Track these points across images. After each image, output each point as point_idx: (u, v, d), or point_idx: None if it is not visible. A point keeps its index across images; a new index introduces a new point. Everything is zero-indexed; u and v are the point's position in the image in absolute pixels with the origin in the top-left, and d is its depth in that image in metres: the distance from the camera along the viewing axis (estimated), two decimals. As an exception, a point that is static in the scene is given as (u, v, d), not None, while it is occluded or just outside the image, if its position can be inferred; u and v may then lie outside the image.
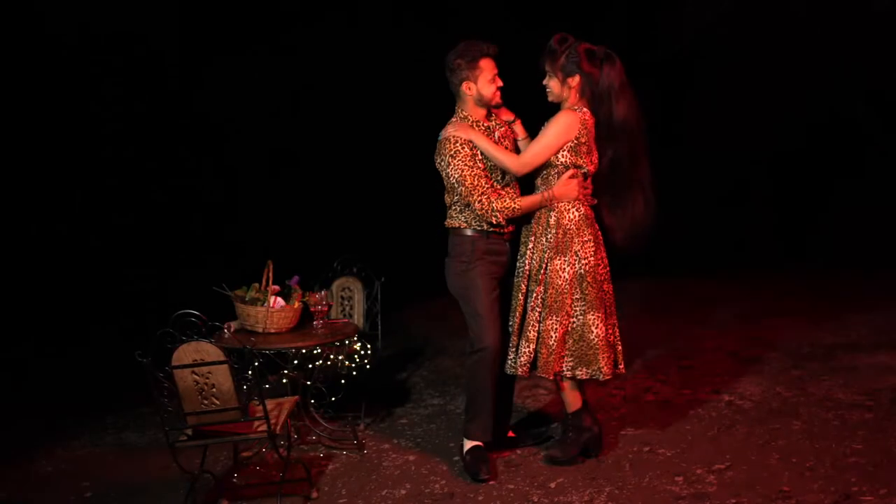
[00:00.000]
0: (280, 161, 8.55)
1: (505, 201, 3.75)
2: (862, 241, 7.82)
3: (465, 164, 3.75)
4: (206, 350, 3.32)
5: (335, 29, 8.66)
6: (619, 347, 3.89)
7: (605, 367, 3.78)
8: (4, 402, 5.27)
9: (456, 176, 3.77)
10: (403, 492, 3.83)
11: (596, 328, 3.75)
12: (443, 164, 3.82)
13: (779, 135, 8.67)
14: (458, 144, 3.76)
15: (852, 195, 8.37)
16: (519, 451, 4.14)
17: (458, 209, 3.87)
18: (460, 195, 3.80)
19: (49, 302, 6.92)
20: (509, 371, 3.86)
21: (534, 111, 3.91)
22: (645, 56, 8.57)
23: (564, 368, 3.79)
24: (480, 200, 3.74)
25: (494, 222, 3.77)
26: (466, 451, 3.96)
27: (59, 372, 5.89)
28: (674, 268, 7.77)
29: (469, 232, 3.85)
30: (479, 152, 3.80)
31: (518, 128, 4.04)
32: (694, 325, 6.36)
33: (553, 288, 3.72)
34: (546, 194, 3.73)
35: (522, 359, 3.78)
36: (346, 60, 8.69)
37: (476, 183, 3.75)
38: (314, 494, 3.85)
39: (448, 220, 3.95)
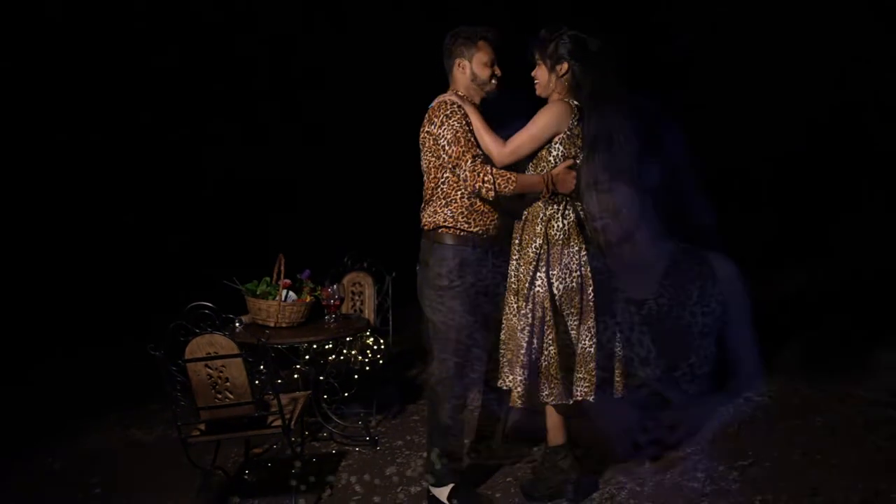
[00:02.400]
0: (290, 154, 8.46)
1: (501, 170, 3.33)
2: (884, 240, 7.72)
3: (461, 126, 3.36)
4: (220, 343, 3.25)
5: (346, 17, 8.57)
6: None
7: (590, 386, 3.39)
8: (13, 399, 5.21)
9: (449, 136, 3.33)
10: (418, 489, 3.76)
11: (590, 342, 3.39)
12: (433, 127, 3.38)
13: (790, 136, 8.58)
14: (454, 106, 3.40)
15: (872, 196, 8.28)
16: (536, 447, 4.06)
17: (443, 201, 3.41)
18: (450, 157, 3.34)
19: (58, 299, 6.84)
20: (514, 405, 3.39)
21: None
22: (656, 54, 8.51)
23: (548, 393, 3.39)
24: (474, 161, 3.30)
25: (484, 191, 3.30)
26: (448, 498, 3.51)
27: (68, 368, 5.82)
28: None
29: (451, 241, 3.40)
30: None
31: None
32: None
33: (541, 305, 3.35)
34: (546, 176, 3.37)
35: (519, 388, 3.35)
36: (359, 49, 8.60)
37: (469, 146, 3.33)
38: (327, 491, 3.78)
39: (429, 217, 3.44)
